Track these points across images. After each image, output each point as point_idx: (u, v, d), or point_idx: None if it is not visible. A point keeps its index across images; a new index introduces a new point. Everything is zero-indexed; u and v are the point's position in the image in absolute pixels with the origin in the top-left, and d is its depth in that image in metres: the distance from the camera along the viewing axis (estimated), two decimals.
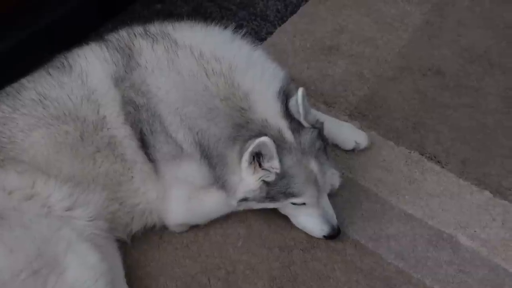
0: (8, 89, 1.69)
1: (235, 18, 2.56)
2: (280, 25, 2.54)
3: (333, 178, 1.72)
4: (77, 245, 1.43)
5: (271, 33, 2.51)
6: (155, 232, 1.78)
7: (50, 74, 1.68)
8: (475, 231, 1.83)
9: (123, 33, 1.77)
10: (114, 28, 1.90)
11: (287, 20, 2.56)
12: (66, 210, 1.51)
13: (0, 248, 1.37)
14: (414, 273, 1.73)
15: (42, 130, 1.58)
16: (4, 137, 1.57)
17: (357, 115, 2.17)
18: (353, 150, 2.02)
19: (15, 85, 1.70)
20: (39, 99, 1.62)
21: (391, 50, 2.42)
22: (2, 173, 1.51)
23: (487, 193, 1.93)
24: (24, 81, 1.70)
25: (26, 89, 1.66)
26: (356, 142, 2.01)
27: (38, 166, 1.54)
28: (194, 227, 1.81)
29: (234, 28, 1.81)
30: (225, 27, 1.82)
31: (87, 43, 1.80)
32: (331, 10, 2.59)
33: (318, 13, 2.58)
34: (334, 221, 1.72)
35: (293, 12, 2.60)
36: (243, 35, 1.81)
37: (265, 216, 1.82)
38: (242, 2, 2.65)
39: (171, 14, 2.58)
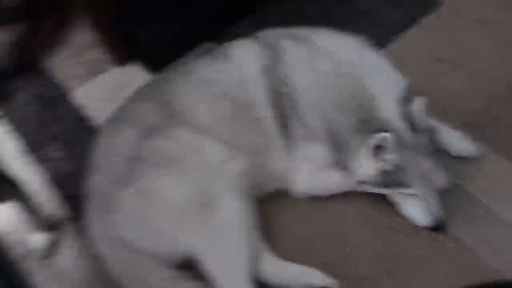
0: (181, 68, 2.12)
1: (358, 25, 2.73)
2: (399, 35, 2.69)
3: (442, 179, 1.89)
4: (230, 192, 1.82)
5: (391, 41, 2.66)
6: (280, 196, 2.07)
7: (213, 62, 2.08)
8: None
9: (270, 33, 2.12)
10: (249, 26, 2.18)
11: (407, 31, 2.70)
12: (222, 163, 1.88)
13: (178, 179, 1.79)
14: (509, 275, 1.84)
15: (207, 104, 1.98)
16: (179, 107, 1.99)
17: (468, 127, 2.25)
18: (462, 158, 2.14)
19: (187, 65, 2.11)
20: (206, 80, 2.02)
21: (510, 71, 2.45)
22: (178, 130, 1.92)
23: None
24: (192, 64, 2.12)
25: (196, 72, 2.07)
26: (466, 151, 2.15)
27: (203, 131, 1.94)
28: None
29: (364, 38, 2.10)
30: (357, 36, 2.10)
31: (238, 39, 2.16)
32: (451, 25, 2.69)
33: (438, 27, 2.69)
34: (439, 214, 1.90)
35: (413, 23, 2.72)
36: (371, 44, 2.09)
37: (376, 200, 2.05)
38: (367, 10, 2.85)
39: (300, 15, 2.81)
